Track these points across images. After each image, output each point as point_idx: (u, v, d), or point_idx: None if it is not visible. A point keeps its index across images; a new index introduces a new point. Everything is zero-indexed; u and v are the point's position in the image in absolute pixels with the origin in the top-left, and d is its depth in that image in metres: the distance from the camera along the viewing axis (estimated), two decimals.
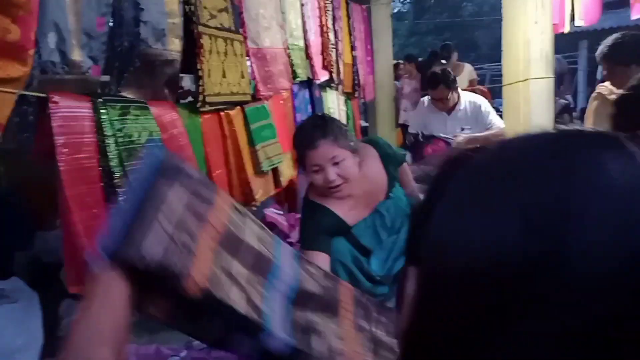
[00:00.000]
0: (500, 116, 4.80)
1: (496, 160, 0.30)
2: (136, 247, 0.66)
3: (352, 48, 4.64)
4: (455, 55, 4.82)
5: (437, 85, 3.08)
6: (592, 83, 10.66)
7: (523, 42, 3.94)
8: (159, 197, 0.77)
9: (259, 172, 2.31)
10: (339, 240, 1.67)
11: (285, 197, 2.98)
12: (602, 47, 2.56)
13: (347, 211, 1.68)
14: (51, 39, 1.31)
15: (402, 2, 21.40)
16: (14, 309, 1.68)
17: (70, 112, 1.38)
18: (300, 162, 1.66)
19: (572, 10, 3.59)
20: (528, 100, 3.99)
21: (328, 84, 3.83)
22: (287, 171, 2.78)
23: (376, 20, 5.70)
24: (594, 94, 2.63)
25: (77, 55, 1.41)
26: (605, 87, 2.57)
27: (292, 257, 1.11)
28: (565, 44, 3.96)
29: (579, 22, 3.49)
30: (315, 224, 1.65)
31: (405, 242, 1.48)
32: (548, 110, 4.14)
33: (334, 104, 3.85)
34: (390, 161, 1.80)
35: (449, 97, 3.09)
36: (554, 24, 3.74)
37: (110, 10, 1.52)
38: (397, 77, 5.54)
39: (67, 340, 0.58)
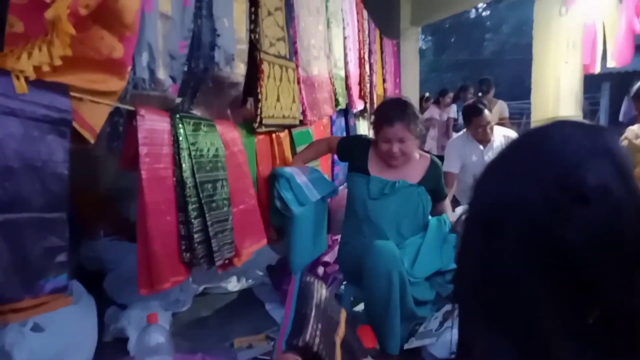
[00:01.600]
0: None
1: (526, 141, 0.49)
2: (303, 338, 0.96)
3: (384, 80, 4.80)
4: (493, 91, 4.91)
5: (481, 112, 3.10)
6: (614, 125, 10.69)
7: (553, 80, 4.04)
8: (309, 295, 1.10)
9: None
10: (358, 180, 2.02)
11: None
12: (638, 86, 2.63)
13: (374, 169, 2.02)
14: (144, 58, 1.43)
15: (423, 39, 21.85)
16: (74, 309, 1.75)
17: (153, 125, 1.49)
18: (375, 130, 2.04)
19: (604, 51, 3.69)
20: None
21: (361, 113, 3.95)
22: None
23: (405, 54, 5.89)
24: (622, 137, 2.67)
25: (161, 74, 1.53)
26: (633, 131, 2.61)
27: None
28: (588, 84, 4.02)
29: (612, 63, 3.58)
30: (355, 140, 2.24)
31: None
32: None
33: (365, 133, 3.97)
34: (429, 181, 2.05)
35: (491, 125, 3.13)
36: (585, 64, 3.83)
37: (190, 35, 1.66)
38: (421, 110, 5.68)
39: None
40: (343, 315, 1.20)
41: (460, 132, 3.44)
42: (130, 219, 2.89)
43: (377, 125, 2.02)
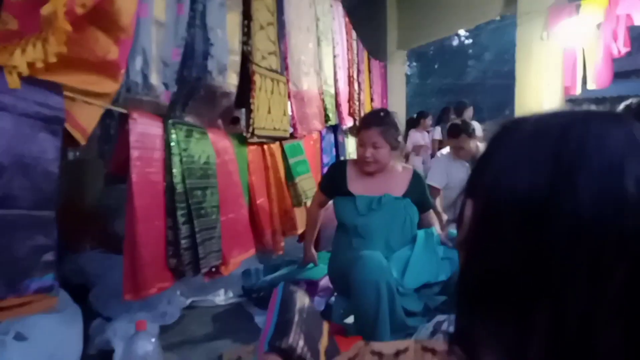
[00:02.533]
0: None
1: (536, 126, 0.44)
2: (286, 340, 0.94)
3: (371, 99, 4.87)
4: (468, 112, 5.04)
5: (459, 134, 3.21)
6: None
7: (535, 103, 4.15)
8: (292, 303, 1.07)
9: (297, 203, 2.39)
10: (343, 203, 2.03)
11: None
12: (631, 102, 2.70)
13: (358, 188, 2.03)
14: (138, 62, 1.44)
15: (408, 65, 22.32)
16: (59, 318, 1.70)
17: (145, 129, 1.48)
18: (356, 136, 2.16)
19: (584, 75, 3.81)
20: None
21: (350, 130, 3.99)
22: None
23: (392, 77, 6.01)
24: None
25: (154, 79, 1.53)
26: None
27: None
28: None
29: (592, 86, 3.70)
30: (330, 170, 2.17)
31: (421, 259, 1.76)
32: None
33: (353, 150, 4.00)
34: (414, 193, 2.07)
35: (471, 145, 3.22)
36: (566, 87, 3.96)
37: (183, 43, 1.67)
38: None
39: None
40: (326, 326, 1.19)
41: (447, 148, 3.50)
42: (117, 232, 2.84)
43: (357, 130, 2.10)
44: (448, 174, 3.39)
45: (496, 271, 0.41)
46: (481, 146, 3.44)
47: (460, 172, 3.31)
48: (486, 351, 0.41)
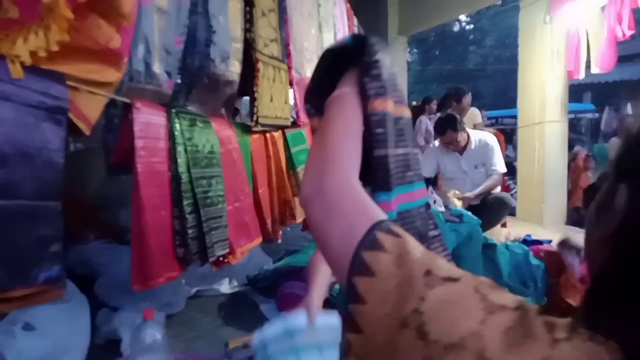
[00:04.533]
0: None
1: None
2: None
3: None
4: (467, 98, 5.01)
5: (444, 130, 3.21)
6: (596, 133, 10.92)
7: (539, 87, 4.13)
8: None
9: (299, 193, 2.38)
10: None
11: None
12: None
13: None
14: (140, 51, 1.42)
15: (409, 52, 22.16)
16: (66, 308, 1.70)
17: (149, 118, 1.47)
18: None
19: (588, 58, 3.78)
20: (543, 142, 4.13)
21: None
22: None
23: (392, 63, 5.95)
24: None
25: (157, 67, 1.52)
26: None
27: None
28: (570, 94, 4.14)
29: (595, 69, 3.66)
30: None
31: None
32: (562, 152, 4.28)
33: None
34: None
35: (458, 139, 3.21)
36: (569, 71, 3.92)
37: (186, 31, 1.65)
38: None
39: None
40: None
41: (435, 141, 3.53)
42: (120, 223, 2.84)
43: None
44: (440, 165, 3.41)
45: None
46: (476, 132, 3.43)
47: (453, 164, 3.32)
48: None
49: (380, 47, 0.72)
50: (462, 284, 0.40)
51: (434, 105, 5.78)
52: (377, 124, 0.69)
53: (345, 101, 0.66)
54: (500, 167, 3.24)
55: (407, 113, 0.82)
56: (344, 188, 0.53)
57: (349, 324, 0.44)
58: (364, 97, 0.69)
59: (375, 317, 0.42)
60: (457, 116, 3.36)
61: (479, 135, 3.38)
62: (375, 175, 0.70)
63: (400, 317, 0.40)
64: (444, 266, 0.43)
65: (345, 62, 0.74)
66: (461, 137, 3.23)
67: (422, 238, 0.80)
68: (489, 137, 3.33)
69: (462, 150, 3.30)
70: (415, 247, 0.45)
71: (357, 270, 0.45)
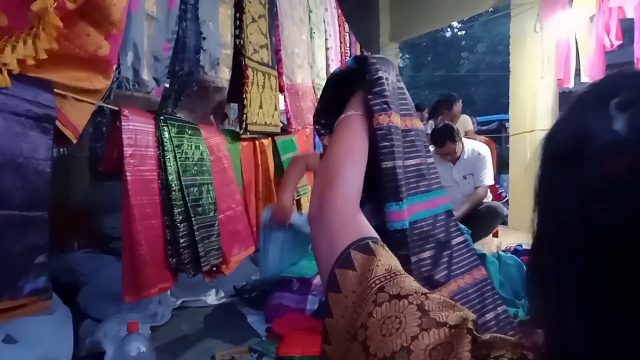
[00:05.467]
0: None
1: None
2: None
3: None
4: (458, 105, 5.02)
5: (443, 142, 3.18)
6: None
7: (530, 95, 4.17)
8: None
9: None
10: None
11: None
12: None
13: None
14: (129, 57, 1.41)
15: (401, 57, 22.26)
16: (49, 320, 1.68)
17: (137, 126, 1.46)
18: None
19: (578, 67, 3.82)
20: (534, 150, 4.15)
21: None
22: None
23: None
24: None
25: (145, 75, 1.51)
26: None
27: None
28: (560, 102, 4.19)
29: (585, 79, 3.70)
30: None
31: None
32: None
33: None
34: None
35: (456, 149, 3.20)
36: (559, 79, 3.96)
37: (174, 37, 1.64)
38: None
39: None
40: None
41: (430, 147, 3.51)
42: (104, 231, 2.81)
43: None
44: None
45: None
46: (469, 142, 3.43)
47: (445, 173, 3.31)
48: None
49: (382, 64, 0.78)
50: (409, 300, 0.43)
51: (425, 114, 5.80)
52: (383, 137, 0.73)
53: (351, 123, 0.72)
54: (488, 179, 3.23)
55: (417, 125, 0.86)
56: (338, 209, 0.58)
57: (323, 335, 0.48)
58: (369, 114, 0.73)
59: (337, 330, 0.46)
60: (455, 127, 3.34)
61: (472, 145, 3.37)
62: (385, 186, 0.74)
63: (352, 331, 0.44)
64: (400, 283, 0.46)
65: (352, 83, 0.79)
66: (458, 148, 3.23)
67: (443, 245, 0.83)
68: (482, 148, 3.32)
69: (455, 160, 3.29)
70: (382, 264, 0.48)
71: (330, 287, 0.50)
